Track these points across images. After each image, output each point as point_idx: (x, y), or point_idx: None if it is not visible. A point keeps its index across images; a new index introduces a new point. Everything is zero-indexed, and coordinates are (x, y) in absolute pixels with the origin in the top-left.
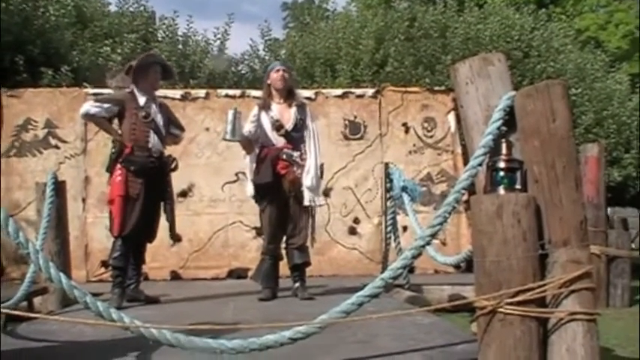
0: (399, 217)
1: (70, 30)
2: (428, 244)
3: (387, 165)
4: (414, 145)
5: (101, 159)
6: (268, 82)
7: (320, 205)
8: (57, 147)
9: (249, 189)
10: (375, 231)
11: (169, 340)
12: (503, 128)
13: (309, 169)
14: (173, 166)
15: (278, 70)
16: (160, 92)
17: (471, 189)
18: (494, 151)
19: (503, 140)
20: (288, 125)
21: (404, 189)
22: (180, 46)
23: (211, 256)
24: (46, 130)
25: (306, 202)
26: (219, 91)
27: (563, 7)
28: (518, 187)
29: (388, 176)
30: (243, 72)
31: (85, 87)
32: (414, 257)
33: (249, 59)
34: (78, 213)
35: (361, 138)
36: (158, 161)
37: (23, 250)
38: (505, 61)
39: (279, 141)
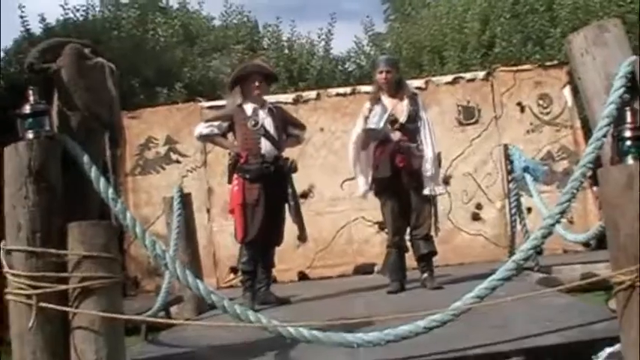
0: (522, 199)
1: (179, 48)
2: (558, 222)
3: (505, 146)
4: (531, 123)
5: (221, 169)
6: (375, 78)
7: (441, 194)
8: (178, 162)
9: (360, 186)
10: (498, 215)
11: (307, 337)
12: (626, 96)
13: (427, 159)
14: (292, 168)
15: (381, 72)
16: (272, 97)
17: (596, 163)
18: (618, 121)
19: (628, 108)
20: (402, 118)
21: (525, 169)
22: (286, 51)
23: (336, 253)
24: (166, 147)
25: (426, 192)
26: (329, 90)
27: None
28: None
29: (508, 158)
30: (350, 69)
31: (199, 101)
32: (545, 237)
33: (355, 56)
34: (204, 223)
35: (476, 122)
36: (273, 165)
37: (160, 261)
38: (622, 26)
39: (395, 134)
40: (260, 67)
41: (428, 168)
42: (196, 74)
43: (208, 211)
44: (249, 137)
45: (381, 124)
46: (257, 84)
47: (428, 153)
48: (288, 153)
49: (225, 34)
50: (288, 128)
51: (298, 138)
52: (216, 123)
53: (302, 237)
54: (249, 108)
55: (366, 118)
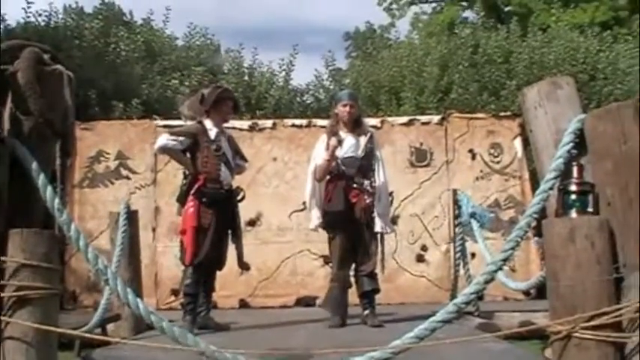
0: (467, 244)
1: (139, 64)
2: (500, 269)
3: (455, 191)
4: (481, 171)
5: (170, 189)
6: (336, 111)
7: (390, 233)
8: (128, 178)
9: (314, 219)
10: (443, 258)
11: None
12: (574, 151)
13: (380, 197)
14: (241, 196)
15: (345, 105)
16: (228, 123)
17: (541, 214)
18: (565, 175)
19: (574, 163)
20: (358, 154)
21: (472, 215)
22: (246, 78)
23: (279, 284)
24: (117, 162)
25: (377, 229)
26: (285, 121)
27: (629, 28)
28: (590, 210)
29: (456, 203)
30: (308, 102)
31: (155, 119)
32: (487, 283)
33: (314, 89)
34: (148, 242)
35: (428, 165)
36: (228, 193)
37: (101, 276)
38: (574, 84)
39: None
40: (233, 94)
41: (381, 205)
42: (154, 92)
43: (154, 230)
44: (210, 161)
45: (357, 152)
46: (230, 109)
47: (381, 190)
48: (239, 180)
49: (187, 55)
50: (236, 158)
51: (241, 168)
52: (180, 138)
53: (241, 266)
54: (212, 132)
55: (334, 148)
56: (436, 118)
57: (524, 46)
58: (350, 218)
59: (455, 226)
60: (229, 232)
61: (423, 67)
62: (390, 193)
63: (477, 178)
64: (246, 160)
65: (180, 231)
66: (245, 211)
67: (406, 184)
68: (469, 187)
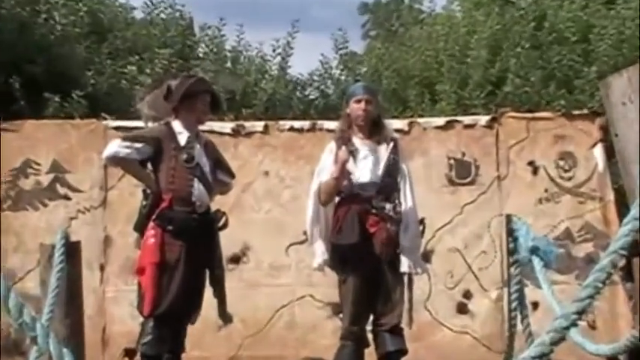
0: (526, 290)
1: (82, 43)
2: (574, 325)
3: (509, 218)
4: (546, 190)
5: (126, 213)
6: (347, 111)
7: (420, 273)
8: (67, 197)
9: (318, 255)
10: (493, 309)
11: None
12: None
13: (408, 226)
14: (222, 223)
15: (359, 101)
16: (204, 125)
17: (633, 250)
18: None
19: None
20: (378, 174)
21: (533, 251)
22: (228, 65)
23: (272, 342)
24: (52, 175)
25: (404, 269)
26: (281, 123)
27: None
28: None
29: (511, 234)
30: (312, 97)
31: (105, 118)
32: (554, 344)
33: (320, 80)
34: (94, 285)
35: (472, 183)
36: (203, 218)
37: (27, 332)
38: None
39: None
40: (211, 86)
41: (408, 237)
42: (103, 82)
43: (102, 268)
44: (178, 175)
45: (375, 172)
46: (206, 107)
47: (409, 217)
48: (219, 202)
49: (149, 33)
50: (217, 172)
51: (226, 187)
52: (138, 145)
53: (223, 316)
54: (183, 136)
55: (344, 162)
56: (484, 120)
57: (610, 17)
58: (367, 254)
59: (509, 265)
60: (205, 271)
61: (466, 49)
62: (421, 221)
63: (541, 201)
64: (232, 176)
65: (138, 270)
66: (227, 243)
67: (443, 209)
68: (530, 212)
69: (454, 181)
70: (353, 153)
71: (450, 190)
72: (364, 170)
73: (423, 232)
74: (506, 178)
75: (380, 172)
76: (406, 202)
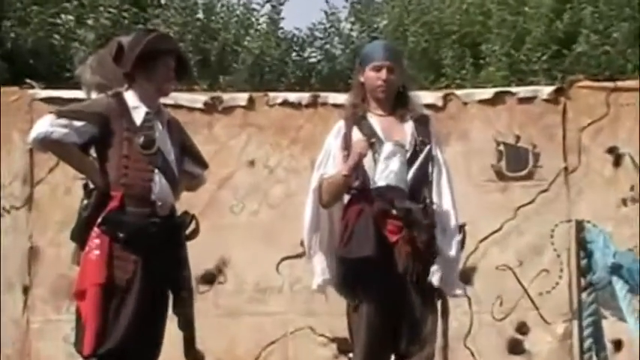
0: (604, 323)
1: None
2: None
3: (580, 225)
4: (632, 188)
5: (60, 216)
6: (361, 79)
7: (458, 295)
8: None
9: (318, 273)
10: (558, 348)
11: None
12: None
13: (445, 231)
14: (191, 229)
15: (379, 68)
16: (168, 97)
17: None
18: None
19: None
20: (395, 140)
21: (615, 270)
22: (200, 15)
23: None
24: None
25: (436, 283)
26: (271, 95)
27: None
28: None
29: (584, 246)
30: (312, 60)
31: (31, 86)
32: None
33: (324, 37)
34: (15, 314)
35: (530, 177)
36: (166, 222)
37: None
38: None
39: (387, 194)
40: (177, 45)
41: (445, 246)
42: (28, 36)
43: (26, 290)
44: (133, 165)
45: (403, 174)
46: (170, 72)
47: (447, 220)
48: (187, 201)
49: None
50: (185, 161)
51: (196, 180)
52: (77, 123)
53: (191, 356)
54: (139, 112)
55: (345, 150)
56: (546, 91)
57: None
58: (386, 271)
59: (581, 289)
60: (168, 294)
61: None
62: (461, 228)
63: (625, 202)
64: (203, 165)
65: (76, 293)
66: (198, 256)
67: (489, 212)
68: (610, 217)
69: (505, 174)
70: (373, 145)
71: (498, 186)
72: (386, 171)
73: (463, 242)
74: (576, 170)
75: (409, 174)
76: (442, 200)
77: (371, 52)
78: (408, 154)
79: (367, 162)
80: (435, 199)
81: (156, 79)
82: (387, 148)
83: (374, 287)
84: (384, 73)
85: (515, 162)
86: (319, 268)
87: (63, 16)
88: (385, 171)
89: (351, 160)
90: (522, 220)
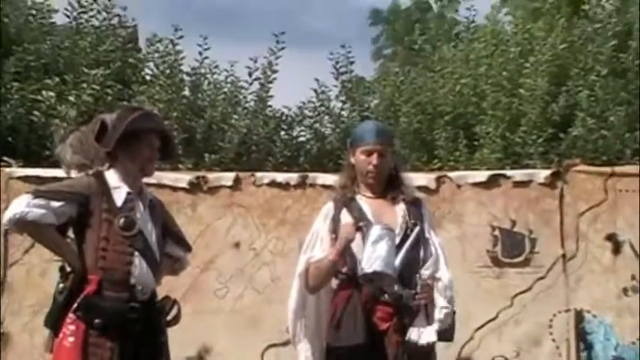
0: None
1: None
2: None
3: (580, 316)
4: (634, 277)
5: (33, 300)
6: (352, 160)
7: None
8: None
9: (306, 357)
10: None
11: None
12: None
13: (439, 284)
14: (172, 315)
15: (370, 153)
16: (151, 177)
17: None
18: None
19: None
20: (396, 263)
21: None
22: (186, 92)
23: None
24: None
25: (412, 336)
26: (258, 175)
27: None
28: None
29: (583, 338)
30: (301, 138)
31: (8, 164)
32: None
33: (314, 116)
34: None
35: (526, 263)
36: (146, 308)
37: None
38: None
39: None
40: (161, 123)
41: (440, 302)
42: (7, 113)
43: None
44: (112, 248)
45: (391, 259)
46: (154, 152)
47: (441, 274)
48: (169, 285)
49: (74, 43)
50: (167, 242)
51: (178, 263)
52: (55, 204)
53: None
54: (120, 193)
55: (333, 233)
56: (543, 174)
57: None
58: (376, 359)
59: None
60: None
61: (519, 76)
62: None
63: (626, 291)
64: (186, 248)
65: None
66: (179, 343)
67: (485, 300)
68: (611, 306)
69: (500, 260)
70: (361, 229)
71: (494, 272)
72: (374, 256)
73: (452, 330)
74: (575, 257)
75: (398, 260)
76: (440, 275)
77: (361, 134)
78: (399, 238)
79: (356, 246)
80: (429, 281)
81: (139, 159)
82: (375, 231)
83: None
84: (374, 158)
85: (511, 248)
86: (306, 354)
87: (44, 92)
88: (372, 256)
89: (338, 245)
90: (519, 309)
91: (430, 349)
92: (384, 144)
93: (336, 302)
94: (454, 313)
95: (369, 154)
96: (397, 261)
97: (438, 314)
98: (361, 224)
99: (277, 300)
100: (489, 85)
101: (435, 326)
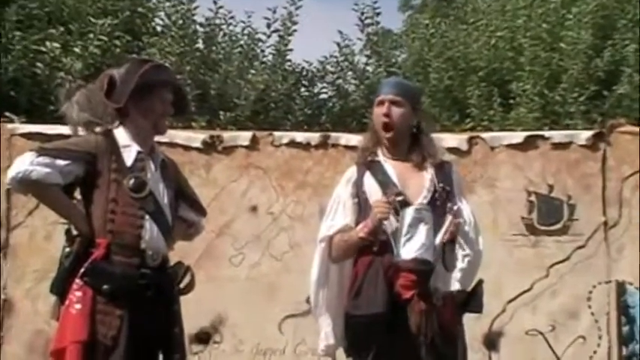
0: None
1: None
2: None
3: (621, 287)
4: None
5: (37, 265)
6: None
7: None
8: None
9: (324, 334)
10: None
11: None
12: None
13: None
14: (185, 283)
15: (382, 102)
16: (163, 135)
17: None
18: None
19: None
20: (418, 203)
21: None
22: (199, 45)
23: None
24: None
25: (455, 287)
26: (277, 134)
27: None
28: None
29: (625, 311)
30: (323, 95)
31: (10, 120)
32: None
33: (337, 71)
34: None
35: (564, 231)
36: (157, 274)
37: None
38: None
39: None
40: (174, 76)
41: (465, 254)
42: (9, 64)
43: None
44: (122, 210)
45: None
46: (167, 106)
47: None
48: (181, 251)
49: None
50: (181, 206)
51: (193, 228)
52: (61, 162)
53: None
54: (130, 152)
55: (356, 198)
56: (584, 135)
57: None
58: (398, 331)
59: (623, 358)
60: (158, 355)
61: (560, 29)
62: (478, 285)
63: None
64: (201, 212)
65: (54, 352)
66: (192, 312)
67: (518, 270)
68: None
69: (536, 227)
70: (396, 208)
71: (529, 241)
72: (413, 243)
73: (480, 303)
74: (617, 225)
75: (437, 239)
76: (467, 244)
77: (379, 88)
78: (426, 205)
79: (388, 228)
80: (459, 245)
81: (151, 115)
82: (410, 213)
83: (383, 349)
84: (385, 107)
85: (548, 214)
86: (325, 328)
87: (48, 43)
88: (411, 241)
89: (370, 223)
90: (556, 280)
91: (453, 309)
92: (396, 94)
93: (356, 269)
94: (482, 282)
95: (381, 104)
96: (437, 240)
97: (461, 263)
98: (397, 199)
99: (296, 268)
100: (527, 38)
101: (457, 275)
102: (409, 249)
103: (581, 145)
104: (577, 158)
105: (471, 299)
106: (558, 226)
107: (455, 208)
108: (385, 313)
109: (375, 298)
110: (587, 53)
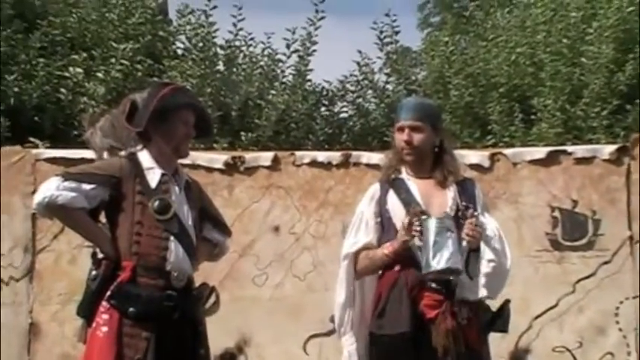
0: None
1: (1, 33)
2: None
3: None
4: None
5: (63, 288)
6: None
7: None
8: None
9: (347, 353)
10: None
11: None
12: None
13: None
14: (210, 303)
15: (401, 129)
16: (186, 158)
17: None
18: None
19: None
20: (440, 212)
21: None
22: (220, 67)
23: None
24: None
25: (482, 294)
26: (298, 154)
27: None
28: None
29: None
30: (343, 115)
31: (35, 145)
32: None
33: (357, 90)
34: None
35: (589, 247)
36: (182, 296)
37: None
38: None
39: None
40: (196, 99)
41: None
42: (32, 90)
43: None
44: (147, 232)
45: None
46: (189, 129)
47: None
48: (205, 272)
49: (102, 16)
50: (205, 226)
51: (219, 250)
52: (86, 186)
53: None
54: (154, 174)
55: (379, 217)
56: (608, 150)
57: None
58: (422, 352)
59: None
60: None
61: (581, 44)
62: (504, 305)
63: None
64: (225, 232)
65: None
66: (217, 333)
67: (544, 287)
68: None
69: (561, 243)
70: (420, 220)
71: (554, 257)
72: (440, 253)
73: (507, 321)
74: None
75: (461, 255)
76: (494, 254)
77: (398, 111)
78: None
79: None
80: (483, 262)
81: (173, 138)
82: (434, 223)
83: None
84: (405, 134)
85: (572, 230)
86: (350, 347)
87: (71, 68)
88: (438, 252)
89: (397, 244)
90: (582, 296)
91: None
92: (416, 119)
93: (380, 288)
94: (509, 301)
95: (401, 129)
96: (460, 256)
97: (485, 268)
98: (420, 219)
99: (320, 287)
100: (548, 53)
101: (482, 280)
102: (440, 259)
103: (605, 160)
104: (601, 173)
105: (497, 319)
106: (583, 241)
107: (475, 213)
108: (410, 332)
109: (400, 318)
110: (608, 67)
